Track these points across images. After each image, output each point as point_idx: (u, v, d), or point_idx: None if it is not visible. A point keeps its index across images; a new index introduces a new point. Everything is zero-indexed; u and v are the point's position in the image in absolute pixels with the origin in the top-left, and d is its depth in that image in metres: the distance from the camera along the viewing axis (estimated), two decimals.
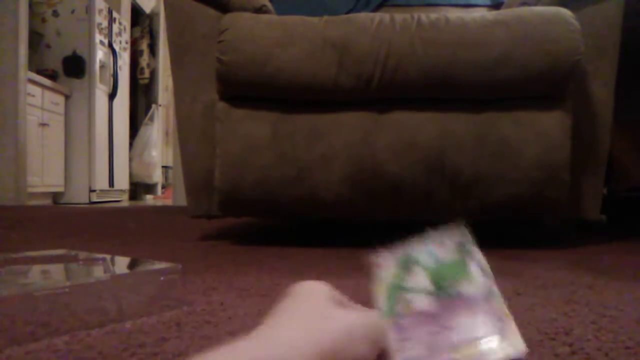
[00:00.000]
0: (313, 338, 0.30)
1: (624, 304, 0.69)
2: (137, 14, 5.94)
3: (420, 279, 0.40)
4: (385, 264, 0.44)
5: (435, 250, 0.42)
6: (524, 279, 0.87)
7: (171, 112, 6.35)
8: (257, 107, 1.23)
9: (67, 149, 4.46)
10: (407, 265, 0.42)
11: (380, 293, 0.40)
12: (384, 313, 0.39)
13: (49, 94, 4.17)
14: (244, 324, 0.59)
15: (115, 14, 4.95)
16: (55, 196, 4.44)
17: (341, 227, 1.85)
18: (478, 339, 0.36)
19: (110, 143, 4.83)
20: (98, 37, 4.55)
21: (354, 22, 1.20)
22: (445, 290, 0.39)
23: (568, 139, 1.18)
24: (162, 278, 0.64)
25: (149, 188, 5.90)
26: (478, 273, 0.40)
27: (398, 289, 0.40)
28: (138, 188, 5.81)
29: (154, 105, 5.74)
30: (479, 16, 1.20)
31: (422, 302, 0.38)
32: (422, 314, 0.37)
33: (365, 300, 0.70)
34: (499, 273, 0.83)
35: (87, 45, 4.48)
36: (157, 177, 5.70)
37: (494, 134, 1.18)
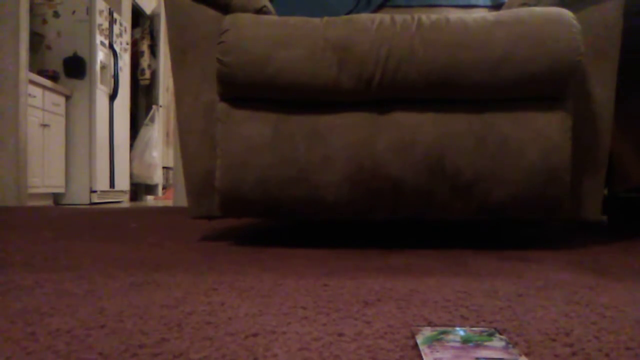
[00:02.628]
0: None
1: (625, 304, 0.69)
2: (137, 15, 5.95)
3: (452, 337, 0.53)
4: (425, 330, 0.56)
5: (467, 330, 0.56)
6: (524, 280, 0.87)
7: (172, 113, 6.37)
8: (258, 107, 1.23)
9: (67, 149, 4.46)
10: (444, 331, 0.55)
11: (420, 340, 0.52)
12: (421, 343, 0.51)
13: (49, 95, 4.18)
14: (244, 324, 0.59)
15: (116, 15, 4.96)
16: (56, 197, 4.44)
17: (342, 228, 1.85)
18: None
19: (111, 144, 4.83)
20: (99, 38, 4.56)
21: (355, 23, 1.20)
22: (472, 341, 0.51)
23: (568, 140, 1.18)
24: None
25: (150, 189, 5.91)
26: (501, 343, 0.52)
27: (435, 337, 0.53)
28: (139, 189, 5.81)
29: (154, 106, 5.75)
30: (480, 17, 1.20)
31: (453, 342, 0.51)
32: (451, 346, 0.50)
33: (365, 299, 0.70)
34: (499, 274, 0.85)
35: (87, 46, 4.49)
36: (158, 178, 5.71)
37: (495, 135, 1.18)
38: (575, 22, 1.16)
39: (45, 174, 4.10)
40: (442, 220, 2.14)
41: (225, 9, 1.33)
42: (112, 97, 4.85)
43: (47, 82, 4.10)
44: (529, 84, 1.17)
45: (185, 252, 1.20)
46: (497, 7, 1.77)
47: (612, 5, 1.26)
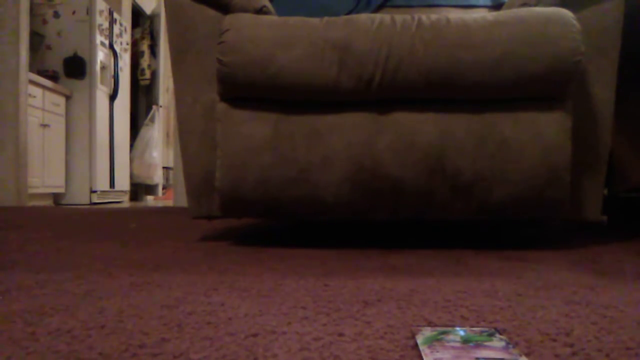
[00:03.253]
0: None
1: (625, 304, 0.69)
2: (137, 15, 5.95)
3: (452, 337, 0.53)
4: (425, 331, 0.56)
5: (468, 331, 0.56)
6: (524, 280, 0.87)
7: (172, 113, 6.37)
8: (258, 107, 1.23)
9: (67, 149, 4.47)
10: (444, 331, 0.55)
11: (420, 340, 0.52)
12: (421, 343, 0.51)
13: (49, 95, 4.18)
14: (244, 324, 0.59)
15: (116, 15, 4.96)
16: (56, 197, 4.44)
17: (342, 228, 1.85)
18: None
19: (111, 144, 4.84)
20: (99, 38, 4.56)
21: (355, 23, 1.20)
22: (472, 341, 0.52)
23: (568, 140, 1.18)
24: None
25: (150, 189, 5.91)
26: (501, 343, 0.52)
27: (435, 337, 0.53)
28: (139, 189, 5.81)
29: (154, 106, 5.74)
30: (480, 17, 1.20)
31: (453, 342, 0.51)
32: (452, 346, 0.50)
33: (365, 299, 0.70)
34: (499, 274, 0.85)
35: (87, 46, 4.49)
36: (158, 178, 5.71)
37: (495, 135, 1.18)
38: (575, 22, 1.16)
39: (45, 174, 4.10)
40: (442, 220, 2.14)
41: (225, 9, 1.33)
42: (112, 97, 4.85)
43: (47, 82, 4.10)
44: (529, 84, 1.17)
45: (185, 252, 1.20)
46: (497, 7, 1.77)
47: (612, 5, 1.26)
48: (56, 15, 4.51)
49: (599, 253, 1.21)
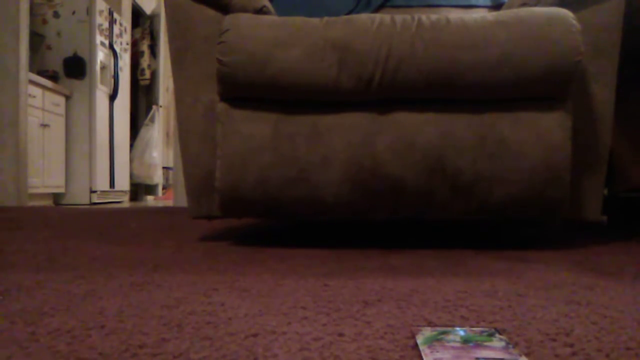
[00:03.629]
0: None
1: (625, 304, 0.69)
2: (137, 15, 5.95)
3: (452, 337, 0.53)
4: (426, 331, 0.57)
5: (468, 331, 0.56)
6: (524, 280, 0.87)
7: (172, 113, 6.37)
8: (258, 107, 1.23)
9: (67, 149, 4.47)
10: (444, 331, 0.55)
11: (420, 340, 0.52)
12: (421, 343, 0.51)
13: (49, 95, 4.18)
14: (244, 324, 0.59)
15: (116, 15, 4.96)
16: (56, 197, 4.44)
17: (342, 228, 1.85)
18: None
19: (111, 144, 4.84)
20: (99, 38, 4.56)
21: (355, 23, 1.20)
22: (472, 341, 0.52)
23: (568, 140, 1.18)
24: None
25: (150, 189, 5.91)
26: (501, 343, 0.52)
27: (435, 337, 0.53)
28: (139, 189, 5.82)
29: (154, 106, 5.75)
30: (480, 17, 1.20)
31: (453, 342, 0.51)
32: (451, 346, 0.50)
33: (365, 299, 0.70)
34: (499, 274, 0.85)
35: (87, 46, 4.49)
36: (158, 178, 5.71)
37: (495, 135, 1.18)
38: (575, 22, 1.16)
39: (45, 174, 4.10)
40: (442, 220, 2.14)
41: (225, 9, 1.33)
42: (112, 97, 4.85)
43: (47, 82, 4.10)
44: (529, 84, 1.17)
45: (185, 252, 1.20)
46: (497, 7, 1.77)
47: (612, 5, 1.26)
48: (56, 15, 4.51)
49: (599, 253, 1.21)
